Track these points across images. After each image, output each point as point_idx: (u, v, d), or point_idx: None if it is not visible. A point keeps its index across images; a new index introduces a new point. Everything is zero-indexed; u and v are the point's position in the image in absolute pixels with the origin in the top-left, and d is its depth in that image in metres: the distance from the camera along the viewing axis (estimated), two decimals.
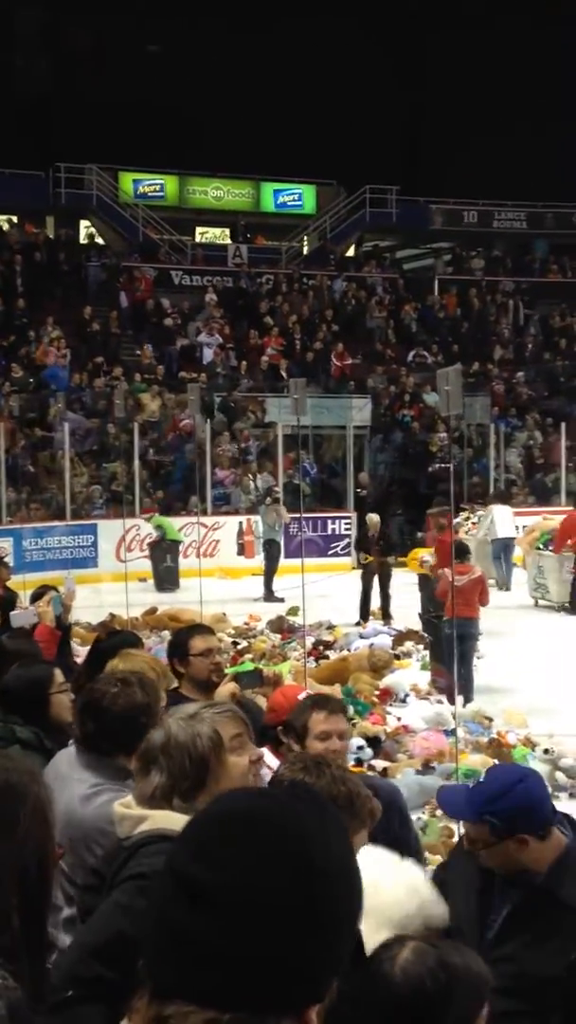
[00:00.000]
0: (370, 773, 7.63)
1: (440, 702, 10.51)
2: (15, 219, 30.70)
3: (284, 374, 24.84)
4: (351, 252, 34.13)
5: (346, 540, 22.12)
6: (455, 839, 6.60)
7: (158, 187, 33.06)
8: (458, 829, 6.88)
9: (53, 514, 21.03)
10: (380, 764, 8.57)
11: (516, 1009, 2.63)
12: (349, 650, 12.89)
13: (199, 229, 34.17)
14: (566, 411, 26.85)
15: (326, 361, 26.99)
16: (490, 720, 10.07)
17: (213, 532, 21.13)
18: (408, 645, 13.39)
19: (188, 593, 15.27)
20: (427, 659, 12.29)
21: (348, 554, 22.00)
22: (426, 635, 12.83)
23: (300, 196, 34.58)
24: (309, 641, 12.71)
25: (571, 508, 18.94)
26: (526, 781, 2.93)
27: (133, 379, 24.36)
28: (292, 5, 32.85)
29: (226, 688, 4.74)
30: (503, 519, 18.80)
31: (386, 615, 15.47)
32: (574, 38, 33.80)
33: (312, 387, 23.29)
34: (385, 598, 15.68)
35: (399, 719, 9.88)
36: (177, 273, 29.78)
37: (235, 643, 13.09)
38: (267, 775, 3.65)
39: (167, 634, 11.45)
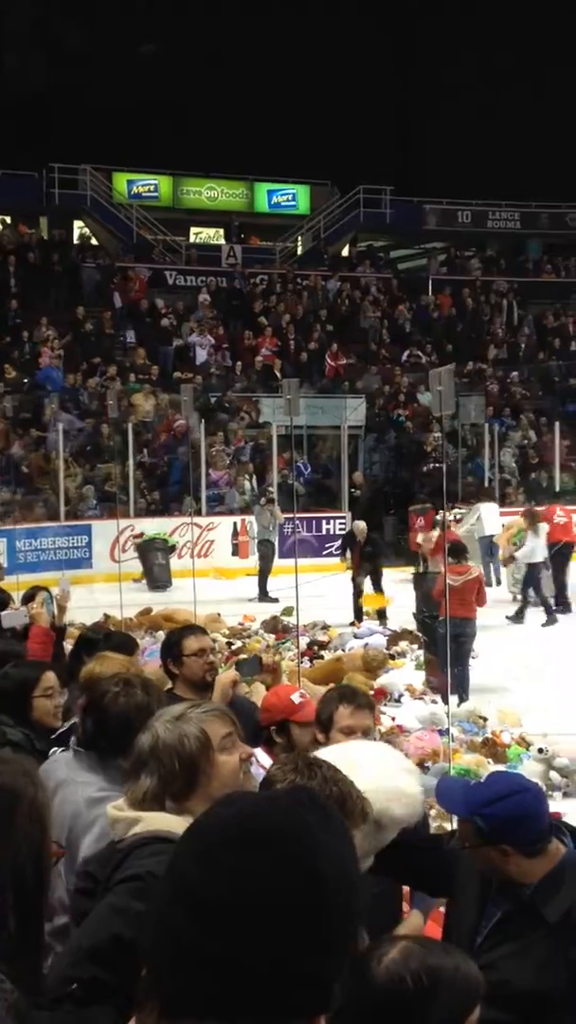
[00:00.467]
0: None
1: (435, 702, 10.52)
2: (8, 220, 30.66)
3: (278, 374, 24.84)
4: (345, 252, 34.14)
5: (340, 540, 22.12)
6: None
7: (152, 187, 33.03)
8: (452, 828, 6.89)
9: (47, 515, 21.01)
10: None
11: (497, 1018, 2.63)
12: (344, 650, 12.90)
13: (193, 229, 34.16)
14: (560, 411, 26.90)
15: (320, 361, 27.00)
16: (484, 720, 10.09)
17: (207, 532, 21.15)
18: (403, 645, 13.40)
19: (182, 593, 15.25)
20: (421, 659, 12.30)
21: (341, 555, 22.02)
22: (420, 635, 12.84)
23: (294, 196, 34.58)
24: (303, 641, 12.71)
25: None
26: (524, 794, 2.89)
27: (127, 379, 24.35)
28: (286, 6, 32.85)
29: (227, 676, 4.75)
30: (490, 517, 18.90)
31: (381, 615, 15.47)
32: (563, 38, 33.86)
33: (306, 387, 23.34)
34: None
35: (394, 719, 9.89)
36: (171, 273, 29.77)
37: (229, 643, 13.10)
38: (260, 775, 3.65)
39: (161, 634, 11.44)
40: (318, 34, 33.56)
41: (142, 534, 19.99)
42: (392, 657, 12.66)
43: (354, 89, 34.00)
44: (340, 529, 22.23)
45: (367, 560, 15.83)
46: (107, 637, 5.75)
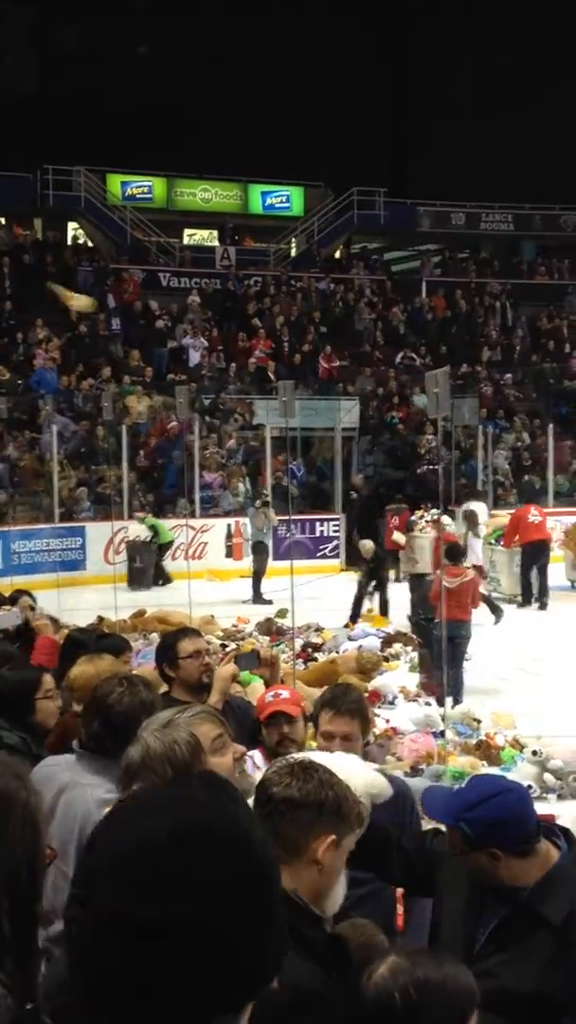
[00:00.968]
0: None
1: (429, 704, 10.52)
2: (2, 221, 30.63)
3: (272, 376, 24.84)
4: (339, 254, 34.16)
5: (335, 542, 22.14)
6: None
7: (146, 189, 33.03)
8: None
9: (42, 517, 21.00)
10: (369, 766, 8.56)
11: None
12: (338, 652, 12.89)
13: (187, 231, 34.15)
14: (553, 413, 26.93)
15: (314, 363, 27.00)
16: (478, 722, 10.08)
17: (201, 534, 21.15)
18: (397, 647, 13.40)
19: (177, 595, 15.25)
20: (415, 661, 12.30)
21: (337, 556, 22.03)
22: (415, 637, 12.84)
23: (288, 198, 34.59)
24: (298, 643, 12.71)
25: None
26: (506, 795, 2.86)
27: (121, 382, 24.34)
28: (280, 8, 32.87)
29: (226, 670, 4.74)
30: (481, 517, 18.98)
31: (384, 612, 15.47)
32: (558, 41, 33.92)
33: (300, 389, 23.33)
34: (383, 602, 15.67)
35: (388, 721, 9.87)
36: (165, 275, 29.76)
37: (224, 645, 13.07)
38: (257, 776, 3.65)
39: (155, 637, 11.43)
40: (312, 36, 33.59)
41: (153, 537, 20.10)
42: (386, 659, 12.65)
43: (348, 91, 34.04)
44: (334, 531, 22.25)
45: (373, 575, 15.80)
46: (98, 639, 5.75)
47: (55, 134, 30.15)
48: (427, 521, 19.61)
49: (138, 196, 32.71)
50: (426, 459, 23.53)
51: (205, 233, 34.18)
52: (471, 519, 16.57)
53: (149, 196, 33.01)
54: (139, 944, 1.05)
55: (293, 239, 33.76)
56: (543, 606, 17.14)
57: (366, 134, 34.50)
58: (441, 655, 9.93)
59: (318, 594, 16.22)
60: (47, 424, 22.07)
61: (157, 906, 1.06)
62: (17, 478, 21.62)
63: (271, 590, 17.27)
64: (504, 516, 18.77)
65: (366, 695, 10.63)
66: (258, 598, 17.93)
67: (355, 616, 15.57)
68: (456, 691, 10.78)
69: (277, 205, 34.60)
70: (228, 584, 19.82)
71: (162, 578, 20.01)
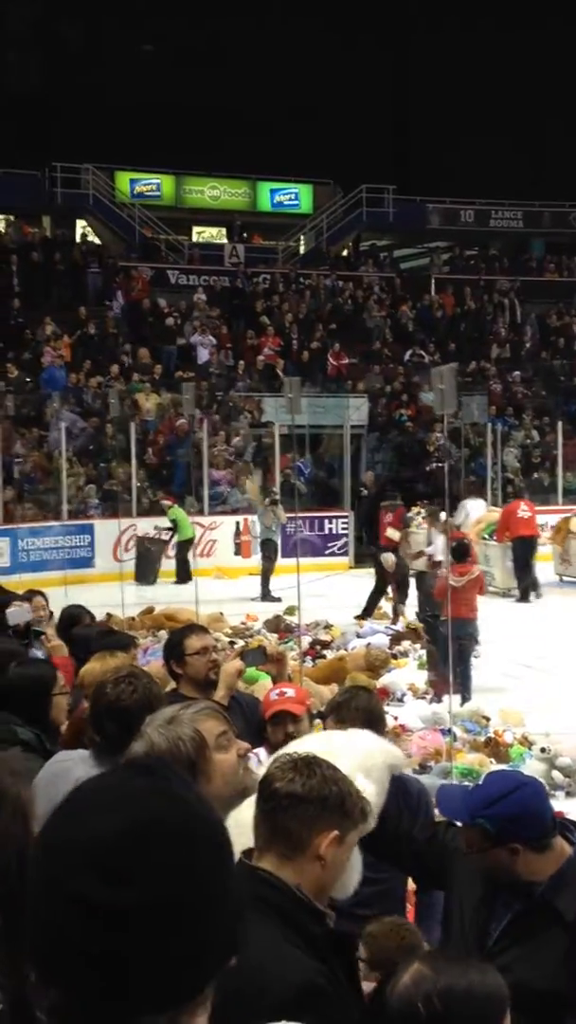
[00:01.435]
0: None
1: (437, 701, 10.51)
2: (12, 219, 30.66)
3: (281, 374, 24.83)
4: (347, 252, 34.14)
5: (343, 539, 22.13)
6: None
7: (155, 187, 33.03)
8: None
9: (51, 514, 21.02)
10: None
11: (514, 1020, 2.61)
12: (346, 649, 12.89)
13: (196, 229, 34.16)
14: (563, 410, 26.89)
15: (323, 361, 26.98)
16: (487, 719, 10.08)
17: (210, 532, 21.15)
18: (405, 644, 13.40)
19: (185, 593, 15.26)
20: (424, 658, 12.29)
21: (345, 553, 22.02)
22: (424, 634, 12.83)
23: (297, 196, 34.56)
24: (306, 640, 12.71)
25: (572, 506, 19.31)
26: (523, 789, 2.87)
27: (130, 379, 24.36)
28: (287, 5, 32.84)
29: (232, 665, 4.73)
30: (476, 513, 19.09)
31: (397, 613, 15.45)
32: (567, 36, 33.83)
33: (309, 387, 23.34)
34: (403, 586, 15.66)
35: (396, 718, 9.87)
36: (174, 273, 29.76)
37: (232, 643, 13.07)
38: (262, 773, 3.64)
39: (164, 634, 11.43)
40: (321, 33, 33.56)
41: (174, 530, 19.93)
42: (395, 656, 12.66)
43: (357, 88, 33.99)
44: (343, 528, 22.23)
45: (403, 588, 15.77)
46: (103, 636, 5.74)
47: (63, 132, 30.17)
48: (423, 517, 19.95)
49: (147, 194, 32.71)
50: (435, 456, 23.51)
51: (214, 231, 34.19)
52: (432, 515, 16.79)
53: (158, 194, 33.01)
54: (105, 928, 1.07)
55: (302, 236, 33.74)
56: (524, 598, 17.66)
57: (375, 131, 34.46)
58: (448, 653, 9.92)
59: (326, 591, 16.21)
60: (55, 421, 22.10)
61: (122, 892, 1.08)
62: (25, 475, 21.65)
63: (279, 587, 17.26)
64: (497, 512, 19.02)
65: (375, 692, 10.67)
66: (267, 595, 17.93)
67: (368, 612, 15.55)
68: (464, 689, 10.76)
69: (286, 203, 34.58)
70: (236, 581, 19.82)
71: (185, 575, 19.14)
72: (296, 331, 27.67)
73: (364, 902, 3.31)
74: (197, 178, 33.39)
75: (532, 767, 8.50)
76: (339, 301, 29.67)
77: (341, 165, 32.48)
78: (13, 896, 1.57)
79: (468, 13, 34.26)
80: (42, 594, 8.12)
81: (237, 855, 2.17)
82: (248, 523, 21.03)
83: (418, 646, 12.95)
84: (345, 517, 22.39)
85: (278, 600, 16.81)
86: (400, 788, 3.72)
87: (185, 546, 19.79)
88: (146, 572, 19.82)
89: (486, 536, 18.19)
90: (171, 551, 20.16)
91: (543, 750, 8.66)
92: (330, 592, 16.30)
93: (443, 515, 17.34)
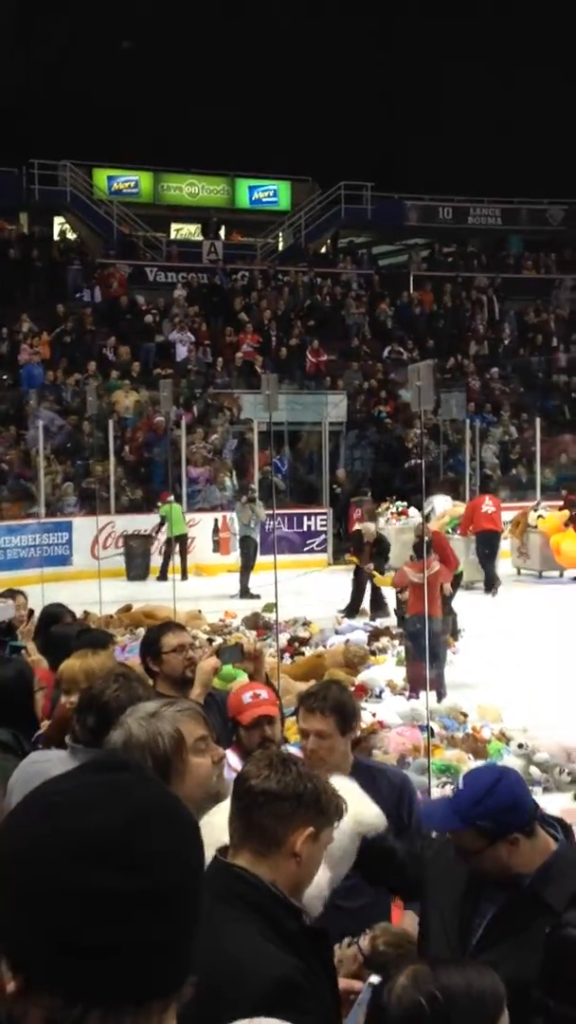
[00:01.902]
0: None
1: (415, 697, 10.54)
2: None
3: (259, 371, 24.81)
4: (326, 249, 34.15)
5: (322, 536, 22.14)
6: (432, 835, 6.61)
7: (133, 183, 32.95)
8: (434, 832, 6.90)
9: (29, 512, 20.95)
10: None
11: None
12: (324, 646, 12.91)
13: (174, 225, 34.09)
14: (540, 406, 26.99)
15: (301, 357, 26.98)
16: (465, 715, 10.11)
17: (188, 529, 21.12)
18: (384, 641, 13.43)
19: (163, 590, 15.24)
20: (402, 655, 12.33)
21: (324, 551, 22.03)
22: (401, 630, 12.87)
23: (275, 192, 34.55)
24: (284, 638, 12.72)
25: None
26: (505, 778, 2.88)
27: (109, 376, 24.29)
28: (267, 2, 32.80)
29: (208, 663, 4.72)
30: (441, 508, 19.22)
31: (379, 610, 15.49)
32: (544, 40, 33.95)
33: (287, 383, 23.34)
34: (377, 599, 15.69)
35: (374, 715, 9.89)
36: (152, 269, 29.70)
37: (210, 640, 13.04)
38: (231, 777, 3.63)
39: (142, 631, 11.41)
40: (299, 30, 33.54)
41: (160, 525, 19.86)
42: (373, 653, 12.69)
43: (335, 85, 34.00)
44: (321, 525, 22.24)
45: (379, 557, 15.84)
46: (80, 634, 5.72)
47: (41, 128, 30.05)
48: (392, 513, 20.32)
49: (125, 191, 32.63)
50: (414, 453, 23.56)
51: (192, 227, 34.13)
52: (370, 511, 17.06)
53: (136, 191, 32.94)
54: (118, 918, 1.09)
55: (280, 233, 33.73)
56: (491, 591, 17.90)
57: (353, 128, 34.45)
58: (417, 648, 9.97)
59: (305, 588, 16.23)
60: (33, 419, 22.02)
61: (136, 880, 1.10)
62: (2, 473, 21.56)
63: (258, 584, 17.27)
64: (461, 507, 19.24)
65: (352, 689, 10.69)
66: (245, 593, 17.93)
67: (354, 610, 15.60)
68: (439, 685, 10.79)
69: (264, 199, 34.57)
70: (215, 579, 19.81)
71: (183, 572, 19.21)
72: (275, 328, 27.67)
73: (351, 914, 3.33)
74: (175, 175, 33.34)
75: (510, 763, 8.52)
76: (317, 298, 29.68)
77: (319, 162, 32.50)
78: None
79: (448, 11, 34.27)
80: (22, 594, 8.08)
81: (209, 854, 2.17)
82: (226, 520, 21.02)
83: (396, 643, 12.99)
84: (324, 514, 22.40)
85: (257, 597, 16.81)
86: (378, 782, 3.72)
87: (174, 542, 19.67)
88: (136, 568, 19.80)
89: (449, 530, 18.36)
90: (158, 546, 20.14)
91: (521, 746, 8.70)
92: (309, 589, 16.31)
93: (439, 510, 17.65)
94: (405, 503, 20.90)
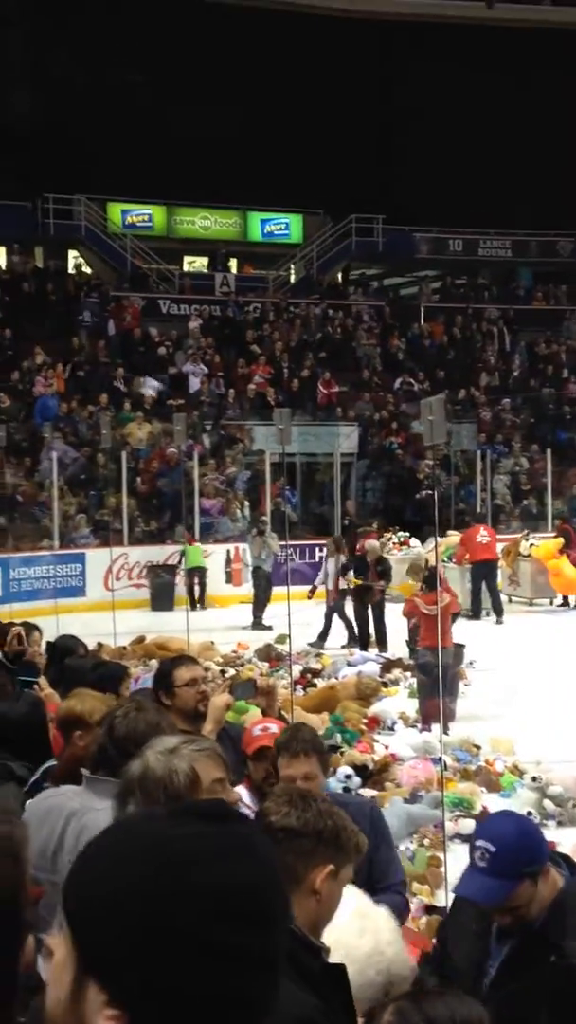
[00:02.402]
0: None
1: (427, 730, 10.52)
2: (3, 250, 30.77)
3: (271, 402, 24.92)
4: (338, 281, 34.33)
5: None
6: (442, 869, 6.61)
7: (146, 217, 33.24)
8: (445, 858, 6.89)
9: (42, 543, 21.01)
10: (368, 793, 8.56)
11: None
12: (337, 678, 12.89)
13: (187, 258, 34.32)
14: (551, 438, 27.01)
15: (313, 389, 27.09)
16: (478, 748, 10.08)
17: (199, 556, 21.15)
18: (396, 673, 13.41)
19: (177, 621, 15.26)
20: (414, 687, 12.31)
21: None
22: (413, 662, 12.86)
23: (287, 225, 34.80)
24: (297, 669, 12.71)
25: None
26: (517, 816, 2.92)
27: (122, 408, 24.41)
28: (276, 35, 33.12)
29: (220, 699, 4.72)
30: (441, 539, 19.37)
31: (382, 644, 15.43)
32: (554, 70, 34.21)
33: (299, 415, 23.43)
34: (381, 632, 15.62)
35: (387, 747, 9.88)
36: (165, 302, 29.91)
37: (223, 671, 13.08)
38: (244, 813, 3.64)
39: (155, 663, 11.43)
40: (308, 65, 33.82)
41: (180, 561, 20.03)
42: (385, 685, 12.66)
43: (345, 119, 34.25)
44: None
45: (383, 576, 15.81)
46: (96, 667, 5.73)
47: (55, 163, 30.34)
48: (394, 543, 20.47)
49: (138, 224, 32.92)
50: (425, 484, 23.59)
51: (204, 260, 34.37)
52: (337, 544, 17.11)
53: (149, 224, 33.22)
54: (245, 971, 1.13)
55: (292, 266, 33.93)
56: (499, 621, 18.12)
57: (364, 161, 34.71)
58: (429, 680, 9.94)
59: (317, 620, 16.22)
60: (47, 450, 22.13)
61: (264, 936, 1.14)
62: (16, 504, 21.66)
63: (270, 615, 17.28)
64: (456, 536, 19.37)
65: (365, 721, 10.69)
66: (258, 624, 17.94)
67: (364, 640, 15.55)
68: (447, 717, 10.75)
69: (276, 232, 34.81)
70: (228, 610, 19.82)
71: (200, 602, 19.73)
72: (287, 359, 27.80)
73: None
74: (188, 208, 33.63)
75: (523, 796, 8.51)
76: (329, 330, 29.82)
77: (331, 195, 32.72)
78: (4, 937, 1.57)
79: (454, 43, 34.58)
80: (38, 629, 8.08)
81: None
82: (239, 551, 21.06)
83: (408, 674, 12.97)
84: None
85: (269, 628, 16.80)
86: None
87: (192, 574, 19.92)
88: (162, 599, 19.86)
89: (445, 560, 18.44)
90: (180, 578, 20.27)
91: (534, 779, 8.67)
92: (321, 621, 16.29)
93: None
94: (407, 534, 21.09)
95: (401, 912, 3.71)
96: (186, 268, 33.57)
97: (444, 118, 34.52)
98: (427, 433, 6.45)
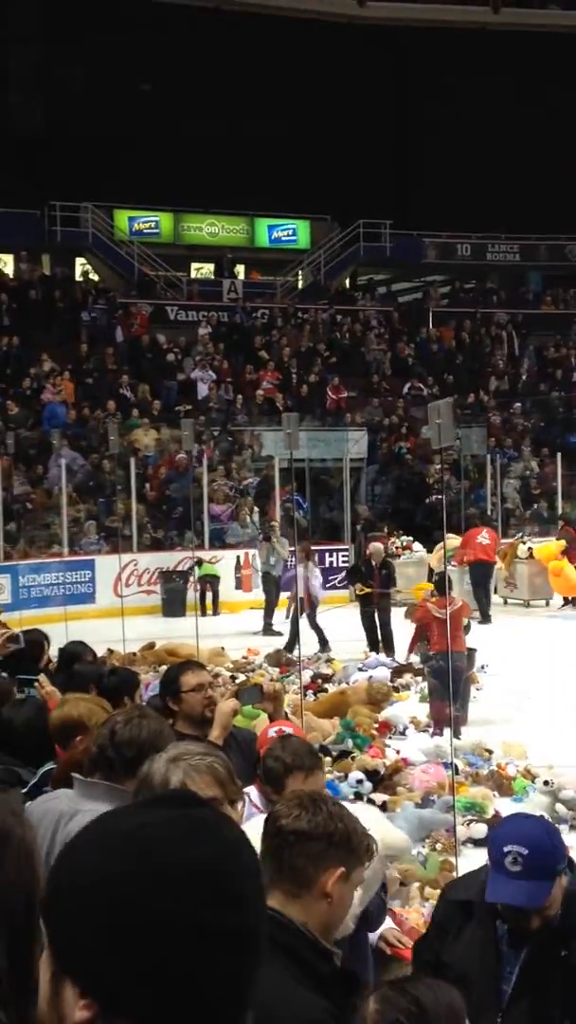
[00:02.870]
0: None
1: (438, 734, 10.49)
2: (11, 257, 30.85)
3: (280, 408, 24.92)
4: (345, 286, 34.35)
5: (344, 572, 22.13)
6: (455, 873, 6.57)
7: (153, 224, 33.29)
8: (457, 862, 6.86)
9: (51, 550, 21.03)
10: (379, 798, 8.54)
11: None
12: (348, 683, 12.87)
13: (194, 265, 34.37)
14: (561, 441, 26.98)
15: (321, 394, 27.10)
16: (489, 752, 10.05)
17: (211, 566, 21.18)
18: (407, 677, 13.38)
19: (187, 627, 15.25)
20: (425, 691, 12.28)
21: (346, 586, 21.99)
22: (424, 666, 12.82)
23: (294, 231, 34.83)
24: (307, 674, 12.69)
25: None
26: (535, 818, 2.97)
27: (130, 415, 24.44)
28: (282, 43, 33.18)
29: (227, 704, 4.72)
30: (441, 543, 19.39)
31: (389, 649, 15.37)
32: (563, 75, 34.22)
33: (308, 420, 23.44)
34: (387, 637, 15.55)
35: (398, 752, 9.85)
36: (172, 309, 29.95)
37: (233, 677, 13.06)
38: (252, 813, 3.62)
39: (165, 669, 11.42)
40: (316, 71, 33.89)
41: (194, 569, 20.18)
42: (396, 689, 12.64)
43: (352, 125, 34.29)
44: (343, 561, 22.22)
45: (387, 580, 15.78)
46: (110, 674, 5.73)
47: (62, 170, 30.43)
48: (396, 547, 20.55)
49: (145, 231, 32.98)
50: (435, 489, 23.57)
51: (212, 267, 34.42)
52: (306, 551, 17.16)
53: (156, 231, 33.27)
54: (219, 953, 1.12)
55: (300, 271, 33.96)
56: (485, 620, 18.16)
57: (371, 166, 34.74)
58: (440, 685, 9.91)
59: (327, 625, 16.20)
60: (55, 458, 22.16)
61: (239, 916, 1.14)
62: (25, 512, 21.67)
63: (281, 621, 17.26)
64: (457, 539, 19.26)
65: (376, 726, 10.66)
66: (268, 629, 17.91)
67: (375, 643, 15.50)
68: (458, 722, 10.71)
69: (284, 238, 34.84)
70: (238, 616, 19.82)
71: (214, 609, 20.37)
72: (295, 365, 27.80)
73: None
74: (195, 215, 33.68)
75: (535, 800, 8.47)
76: (337, 335, 29.83)
77: (338, 200, 32.76)
78: (18, 939, 1.58)
79: (463, 49, 34.60)
80: (46, 638, 8.04)
81: None
82: (249, 557, 21.06)
83: (420, 679, 12.94)
84: (345, 550, 22.39)
85: (279, 634, 16.78)
86: None
87: (203, 582, 20.37)
88: (174, 605, 19.97)
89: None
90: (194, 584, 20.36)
91: (546, 783, 8.62)
92: (331, 625, 16.27)
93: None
94: (410, 538, 21.13)
95: (381, 912, 3.68)
96: (193, 275, 33.61)
97: (452, 123, 34.58)
98: (435, 436, 6.45)
